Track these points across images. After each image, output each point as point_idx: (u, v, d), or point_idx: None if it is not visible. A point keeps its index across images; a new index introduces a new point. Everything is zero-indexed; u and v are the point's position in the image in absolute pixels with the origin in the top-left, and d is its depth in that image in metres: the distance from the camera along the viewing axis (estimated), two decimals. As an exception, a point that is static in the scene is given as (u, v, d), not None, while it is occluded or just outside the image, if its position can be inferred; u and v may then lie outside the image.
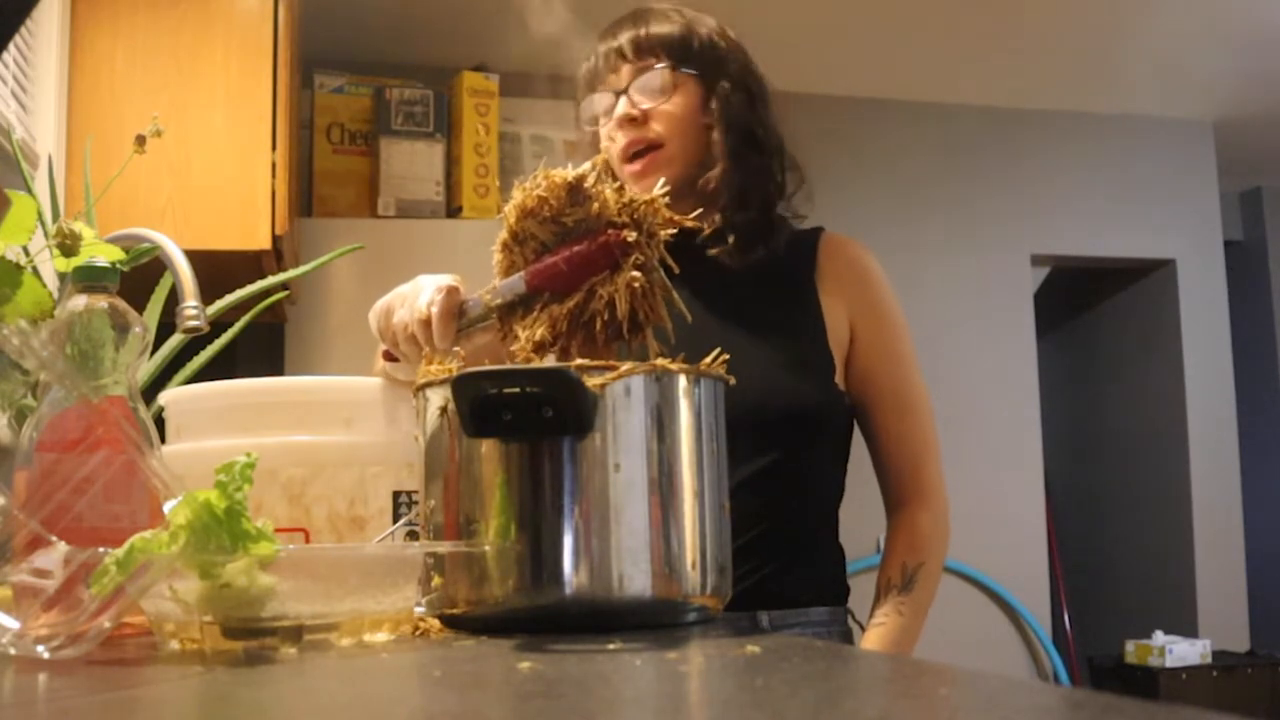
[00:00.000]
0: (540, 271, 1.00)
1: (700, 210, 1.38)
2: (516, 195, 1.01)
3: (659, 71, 1.42)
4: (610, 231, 0.98)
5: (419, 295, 1.12)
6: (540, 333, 1.00)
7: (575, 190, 0.99)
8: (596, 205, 0.99)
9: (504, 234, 1.03)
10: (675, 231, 1.38)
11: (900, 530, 1.44)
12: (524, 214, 1.01)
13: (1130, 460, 4.94)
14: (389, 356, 1.18)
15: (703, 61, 1.45)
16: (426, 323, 1.10)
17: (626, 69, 1.43)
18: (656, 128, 1.42)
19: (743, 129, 1.44)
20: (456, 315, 1.08)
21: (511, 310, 1.03)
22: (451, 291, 1.09)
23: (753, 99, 1.47)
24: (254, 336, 2.17)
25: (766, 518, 1.35)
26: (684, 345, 0.96)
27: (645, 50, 1.43)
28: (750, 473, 1.33)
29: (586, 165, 1.00)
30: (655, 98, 1.42)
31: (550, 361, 1.00)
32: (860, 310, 1.45)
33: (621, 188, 1.00)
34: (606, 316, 0.98)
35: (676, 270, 1.01)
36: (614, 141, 1.44)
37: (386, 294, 1.19)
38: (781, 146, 1.49)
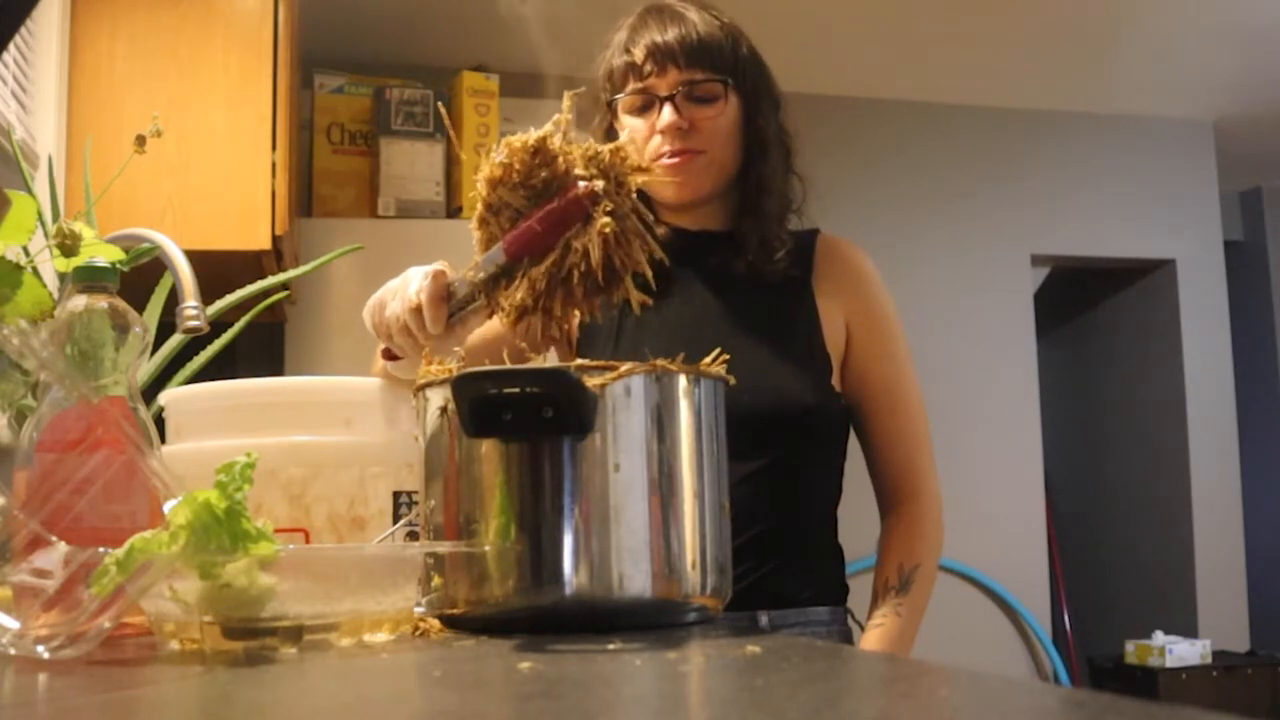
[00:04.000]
0: (517, 238, 1.00)
1: (692, 197, 1.40)
2: (484, 168, 1.02)
3: (711, 85, 1.41)
4: (580, 185, 0.98)
5: (408, 286, 1.12)
6: (520, 297, 1.00)
7: (540, 153, 0.99)
8: (563, 162, 0.99)
9: (479, 208, 1.03)
10: (681, 236, 1.38)
11: (896, 531, 1.45)
12: (493, 184, 1.01)
13: (1130, 460, 4.94)
14: (388, 355, 1.18)
15: (746, 72, 1.44)
16: (417, 310, 1.09)
17: (674, 74, 1.40)
18: (701, 137, 1.41)
19: (773, 142, 1.46)
20: (445, 298, 1.08)
21: (496, 283, 1.03)
22: (438, 275, 1.09)
23: (778, 109, 1.49)
24: (254, 336, 2.18)
25: (765, 517, 1.35)
26: (683, 345, 0.96)
27: (695, 58, 1.40)
28: (748, 472, 1.33)
29: (549, 126, 1.00)
30: (704, 109, 1.41)
31: (535, 324, 1.00)
32: (856, 312, 1.46)
33: (589, 144, 1.00)
34: (583, 268, 0.97)
35: (651, 217, 1.01)
36: (648, 140, 1.42)
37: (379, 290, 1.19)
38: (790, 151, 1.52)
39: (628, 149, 1.00)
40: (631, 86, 1.42)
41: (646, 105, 1.42)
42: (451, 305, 1.08)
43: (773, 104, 1.48)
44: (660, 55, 1.40)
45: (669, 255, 1.47)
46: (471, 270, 1.04)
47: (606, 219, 0.96)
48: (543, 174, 0.99)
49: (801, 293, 1.45)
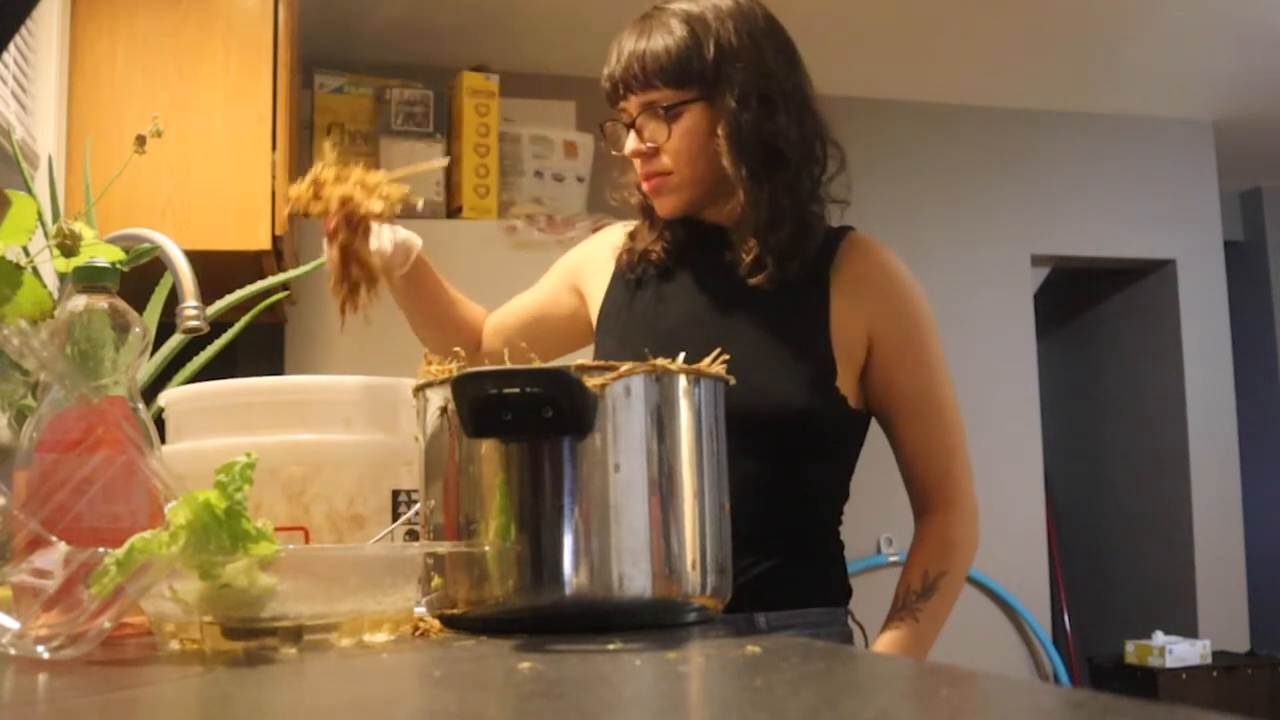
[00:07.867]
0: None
1: (673, 214, 1.45)
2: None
3: (658, 109, 1.39)
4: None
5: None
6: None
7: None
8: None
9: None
10: (687, 230, 1.41)
11: (927, 537, 1.41)
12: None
13: (1130, 460, 4.94)
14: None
15: (707, 80, 1.38)
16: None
17: (633, 99, 1.41)
18: (665, 159, 1.41)
19: (758, 147, 1.38)
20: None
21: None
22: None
23: (768, 105, 1.39)
24: (254, 336, 2.17)
25: (765, 517, 1.34)
26: (681, 343, 0.96)
27: (648, 78, 1.38)
28: (747, 473, 1.32)
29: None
30: (660, 133, 1.40)
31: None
32: (881, 316, 1.41)
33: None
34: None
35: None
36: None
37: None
38: (815, 134, 1.45)
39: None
40: (613, 110, 1.46)
41: (628, 124, 1.45)
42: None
43: (755, 101, 1.39)
44: (620, 83, 1.42)
45: (674, 250, 1.47)
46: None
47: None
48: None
49: (811, 290, 1.41)
